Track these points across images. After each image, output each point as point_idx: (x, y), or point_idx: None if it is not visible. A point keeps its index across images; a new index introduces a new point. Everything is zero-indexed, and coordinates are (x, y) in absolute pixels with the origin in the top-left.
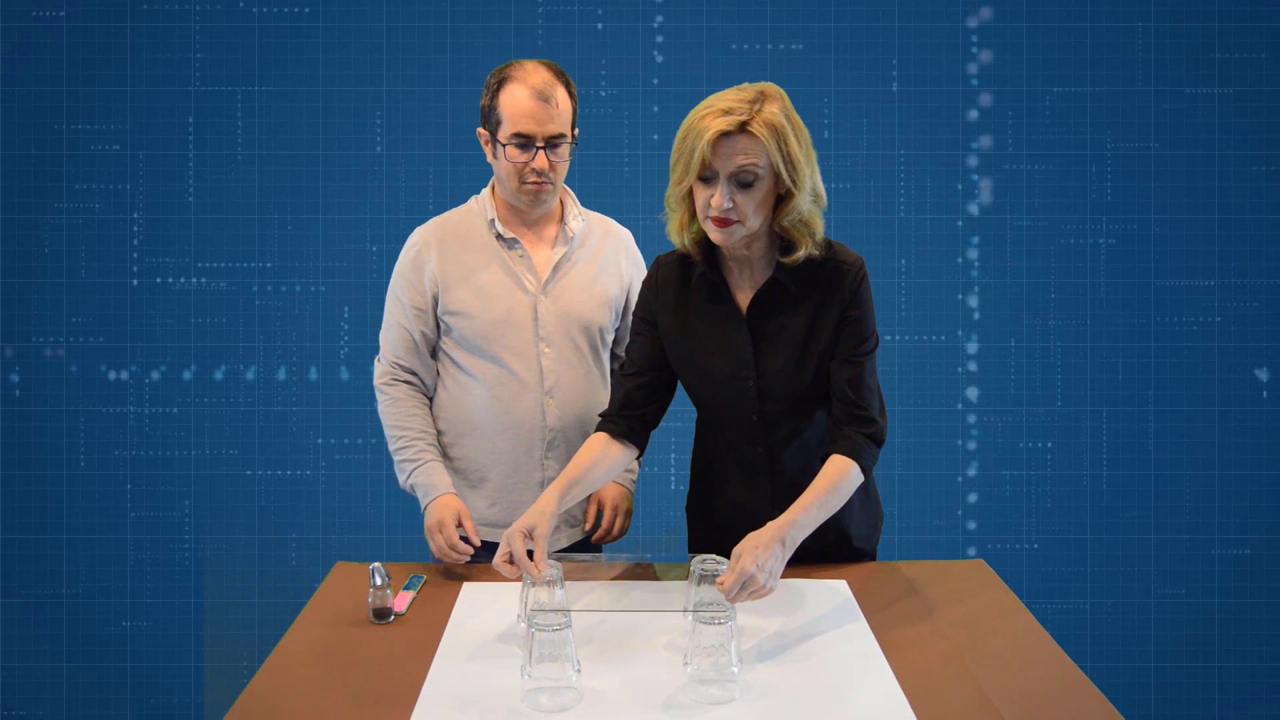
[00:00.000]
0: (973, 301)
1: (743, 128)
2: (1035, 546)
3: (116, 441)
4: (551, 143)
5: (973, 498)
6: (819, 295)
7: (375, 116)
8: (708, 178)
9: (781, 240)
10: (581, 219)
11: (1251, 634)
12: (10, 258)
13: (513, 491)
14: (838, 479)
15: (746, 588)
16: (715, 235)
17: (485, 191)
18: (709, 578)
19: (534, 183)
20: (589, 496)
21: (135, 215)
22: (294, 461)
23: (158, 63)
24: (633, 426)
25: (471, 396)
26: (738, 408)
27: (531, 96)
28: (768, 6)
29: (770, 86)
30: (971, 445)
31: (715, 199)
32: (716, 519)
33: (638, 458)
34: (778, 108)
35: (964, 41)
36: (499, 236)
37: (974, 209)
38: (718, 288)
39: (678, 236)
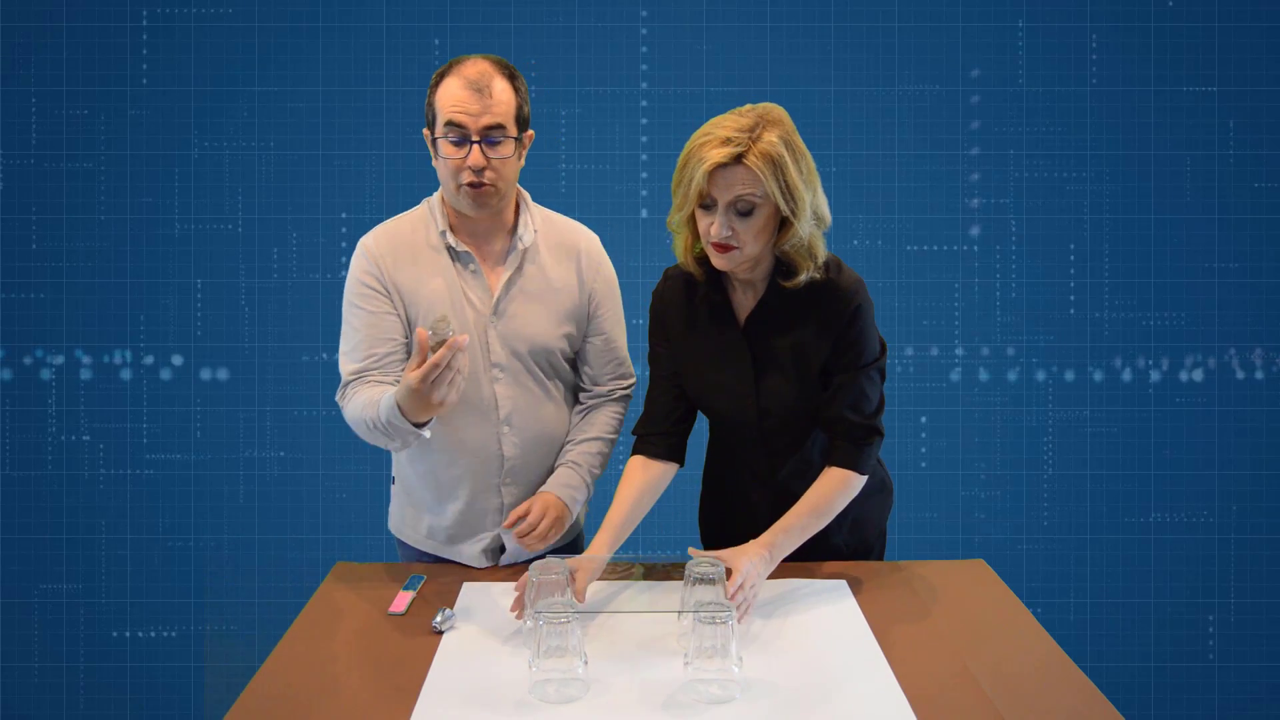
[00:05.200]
0: (972, 301)
1: (739, 159)
2: (1035, 546)
3: (117, 441)
4: (488, 136)
5: (973, 497)
6: (815, 318)
7: (375, 116)
8: (708, 205)
9: (785, 263)
10: (534, 229)
11: (1251, 634)
12: (10, 258)
13: (473, 516)
14: (830, 493)
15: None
16: (717, 261)
17: (436, 197)
18: (705, 580)
19: (472, 182)
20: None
21: (135, 215)
22: (294, 462)
23: (158, 63)
24: (670, 442)
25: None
26: (740, 421)
27: (463, 86)
28: (767, 6)
29: (772, 110)
30: (972, 445)
31: (714, 227)
32: (725, 521)
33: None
34: (777, 135)
35: (964, 42)
36: (450, 249)
37: (973, 208)
38: (720, 306)
39: (683, 257)
